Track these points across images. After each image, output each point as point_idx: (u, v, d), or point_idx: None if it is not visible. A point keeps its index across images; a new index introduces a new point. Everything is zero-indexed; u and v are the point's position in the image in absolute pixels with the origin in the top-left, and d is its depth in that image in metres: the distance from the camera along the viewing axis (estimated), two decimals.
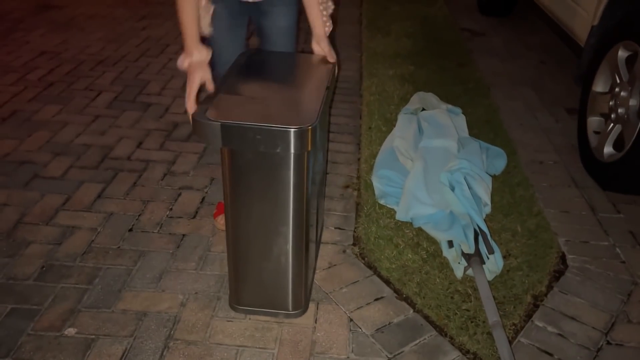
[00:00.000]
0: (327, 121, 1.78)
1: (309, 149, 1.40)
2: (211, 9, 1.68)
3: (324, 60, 1.79)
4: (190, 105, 1.53)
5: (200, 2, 1.61)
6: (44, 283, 1.81)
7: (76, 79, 3.30)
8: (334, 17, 1.86)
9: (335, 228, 2.13)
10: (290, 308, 1.70)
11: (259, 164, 1.47)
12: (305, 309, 1.74)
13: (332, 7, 1.87)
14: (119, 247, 1.99)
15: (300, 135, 1.36)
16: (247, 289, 1.70)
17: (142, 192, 2.31)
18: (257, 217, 1.56)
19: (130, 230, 2.08)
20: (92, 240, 2.01)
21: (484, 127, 2.88)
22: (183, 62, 1.57)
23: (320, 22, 1.80)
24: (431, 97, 2.84)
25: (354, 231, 2.12)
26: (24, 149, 2.57)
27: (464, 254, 1.89)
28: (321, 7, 1.82)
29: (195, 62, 1.56)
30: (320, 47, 1.81)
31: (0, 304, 1.72)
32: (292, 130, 1.36)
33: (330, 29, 1.86)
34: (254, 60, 1.79)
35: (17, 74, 3.32)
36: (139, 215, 2.16)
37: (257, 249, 1.62)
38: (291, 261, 1.62)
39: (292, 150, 1.39)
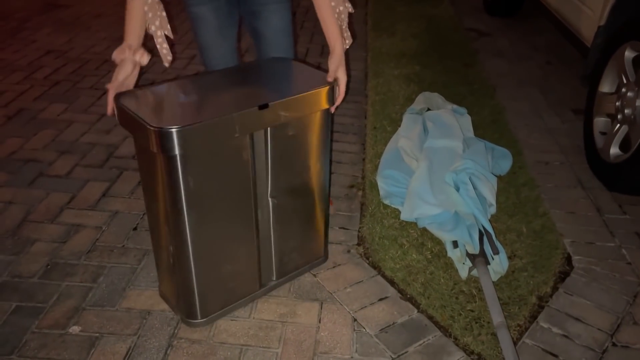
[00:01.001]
0: (294, 133, 1.59)
1: (174, 152, 1.33)
2: (161, 8, 1.57)
3: (323, 79, 1.61)
4: (109, 101, 1.48)
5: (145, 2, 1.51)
6: (48, 281, 1.82)
7: (82, 78, 3.31)
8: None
9: (340, 228, 2.13)
10: (181, 313, 1.67)
11: (145, 157, 1.46)
12: (206, 322, 1.66)
13: (346, 19, 1.71)
14: (123, 245, 1.99)
15: (161, 135, 1.29)
16: (161, 280, 1.74)
17: None
18: (152, 210, 1.57)
19: (135, 229, 2.08)
20: (97, 239, 2.02)
21: (489, 128, 2.87)
22: (116, 56, 1.50)
23: (334, 34, 1.61)
24: (436, 97, 2.83)
25: (359, 231, 2.11)
26: (29, 147, 2.58)
27: (468, 255, 1.88)
28: (336, 16, 1.64)
29: (121, 59, 1.49)
30: (329, 63, 1.63)
31: (5, 302, 1.73)
32: (152, 128, 1.30)
33: (350, 42, 1.73)
34: (254, 64, 1.77)
35: (24, 72, 3.33)
36: (144, 214, 2.16)
37: (156, 242, 1.64)
38: (178, 265, 1.55)
39: (156, 149, 1.33)
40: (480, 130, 2.80)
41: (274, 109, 1.47)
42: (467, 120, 2.65)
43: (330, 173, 2.21)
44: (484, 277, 1.80)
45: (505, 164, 2.49)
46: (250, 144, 1.49)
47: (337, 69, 1.61)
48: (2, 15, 4.29)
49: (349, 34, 1.76)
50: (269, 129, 1.52)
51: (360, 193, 2.35)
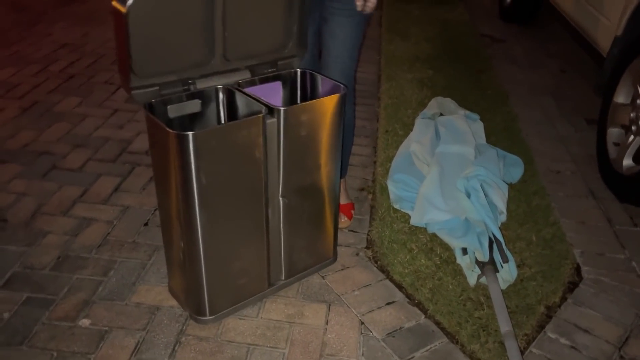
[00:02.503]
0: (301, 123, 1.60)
1: (190, 153, 1.34)
2: None
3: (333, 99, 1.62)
4: None
5: None
6: (59, 273, 1.83)
7: (96, 72, 3.33)
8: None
9: (349, 230, 2.13)
10: (189, 310, 1.68)
11: (159, 154, 1.48)
12: (215, 319, 1.66)
13: None
14: (134, 240, 2.01)
15: (179, 138, 1.35)
16: (170, 276, 1.75)
17: None
18: (165, 206, 1.57)
19: (146, 224, 2.10)
20: (108, 233, 2.03)
21: (501, 135, 2.86)
22: None
23: None
24: (449, 103, 2.83)
25: (368, 234, 2.12)
26: (43, 139, 2.60)
27: (477, 262, 1.88)
28: None
29: None
30: None
31: (16, 292, 1.74)
32: (171, 132, 1.35)
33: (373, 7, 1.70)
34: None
35: (39, 65, 3.36)
36: (155, 210, 2.17)
37: (167, 238, 1.65)
38: (188, 261, 1.55)
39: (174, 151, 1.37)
40: (493, 137, 2.79)
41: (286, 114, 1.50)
42: (479, 127, 2.65)
43: (344, 176, 2.18)
44: (492, 285, 1.80)
45: (516, 171, 2.49)
46: (263, 143, 1.50)
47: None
48: (19, 8, 4.34)
49: None
50: (281, 128, 1.53)
51: (370, 196, 2.36)
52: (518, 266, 1.96)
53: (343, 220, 2.12)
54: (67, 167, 2.41)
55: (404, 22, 4.58)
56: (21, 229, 2.03)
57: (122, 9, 1.26)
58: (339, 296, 1.81)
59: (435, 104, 2.83)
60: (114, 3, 1.27)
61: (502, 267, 1.86)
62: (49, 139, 2.61)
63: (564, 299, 1.86)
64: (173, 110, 1.52)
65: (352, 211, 2.18)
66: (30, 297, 1.73)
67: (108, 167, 2.44)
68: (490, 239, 1.91)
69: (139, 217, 2.13)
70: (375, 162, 2.60)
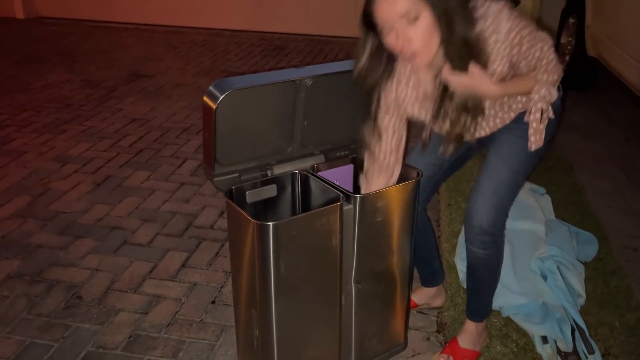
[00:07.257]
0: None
1: (270, 242, 1.36)
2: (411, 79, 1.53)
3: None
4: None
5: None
6: (131, 354, 1.85)
7: (163, 146, 3.48)
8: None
9: (417, 312, 2.07)
10: None
11: (239, 243, 1.49)
12: None
13: (549, 108, 1.43)
14: (202, 319, 2.01)
15: (260, 228, 1.38)
16: (240, 357, 1.75)
17: (224, 262, 2.35)
18: (239, 291, 1.59)
19: (213, 302, 2.11)
20: (177, 312, 2.05)
21: (569, 209, 2.76)
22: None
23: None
24: None
25: (438, 316, 2.05)
26: (115, 214, 2.70)
27: (559, 352, 1.77)
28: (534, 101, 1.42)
29: None
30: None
31: None
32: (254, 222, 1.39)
33: (539, 144, 1.50)
34: None
35: (111, 140, 3.55)
36: (221, 287, 2.19)
37: (239, 322, 1.65)
38: (261, 349, 1.53)
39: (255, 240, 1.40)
40: (560, 210, 2.70)
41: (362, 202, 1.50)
42: (547, 201, 2.58)
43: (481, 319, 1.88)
44: None
45: (590, 249, 2.38)
46: (339, 230, 1.50)
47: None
48: (92, 85, 4.64)
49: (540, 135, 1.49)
50: (357, 214, 1.53)
51: None
52: (603, 356, 1.84)
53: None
54: (137, 242, 2.48)
55: None
56: (94, 306, 2.07)
57: (212, 105, 1.33)
58: None
59: None
60: (205, 98, 1.34)
61: (586, 358, 1.75)
62: (120, 213, 2.70)
63: None
64: (252, 196, 1.56)
65: None
66: None
67: (175, 242, 2.49)
68: (572, 326, 1.81)
69: (206, 295, 2.15)
70: (439, 237, 2.55)
